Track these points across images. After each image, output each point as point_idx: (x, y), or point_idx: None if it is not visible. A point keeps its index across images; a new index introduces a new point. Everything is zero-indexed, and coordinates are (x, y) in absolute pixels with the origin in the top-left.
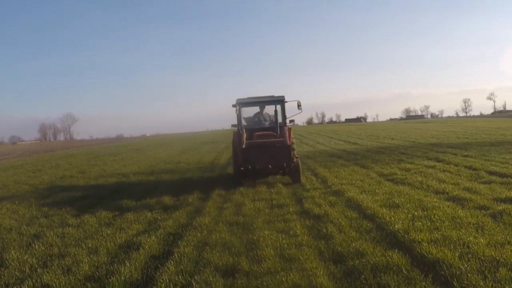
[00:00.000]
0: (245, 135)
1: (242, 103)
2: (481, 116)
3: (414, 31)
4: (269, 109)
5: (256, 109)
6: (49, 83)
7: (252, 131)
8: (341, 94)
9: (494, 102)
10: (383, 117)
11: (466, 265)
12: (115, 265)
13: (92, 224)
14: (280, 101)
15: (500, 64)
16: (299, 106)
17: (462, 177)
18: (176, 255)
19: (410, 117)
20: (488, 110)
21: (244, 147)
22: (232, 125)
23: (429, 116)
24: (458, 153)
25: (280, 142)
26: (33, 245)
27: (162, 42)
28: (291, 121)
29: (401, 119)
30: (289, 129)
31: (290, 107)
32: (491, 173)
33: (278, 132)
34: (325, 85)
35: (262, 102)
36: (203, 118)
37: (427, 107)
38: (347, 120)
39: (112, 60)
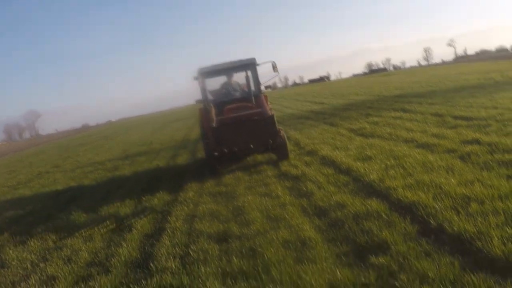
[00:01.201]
0: (213, 111)
1: (205, 73)
2: (443, 63)
3: None
4: (239, 77)
5: (223, 79)
6: (3, 82)
7: (222, 105)
8: (302, 56)
9: (455, 48)
10: (346, 74)
11: (440, 204)
12: (112, 248)
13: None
14: (251, 65)
15: (457, 9)
16: (274, 67)
17: (429, 124)
18: (168, 230)
19: (372, 71)
20: (450, 57)
21: (214, 125)
22: (197, 101)
23: (391, 68)
24: (423, 102)
25: (258, 114)
26: None
27: (112, 23)
28: (267, 87)
29: (364, 74)
30: (265, 97)
31: (263, 71)
32: (456, 117)
33: (254, 102)
34: (284, 49)
35: (229, 69)
36: (167, 96)
37: (388, 60)
38: (311, 81)
39: (67, 49)
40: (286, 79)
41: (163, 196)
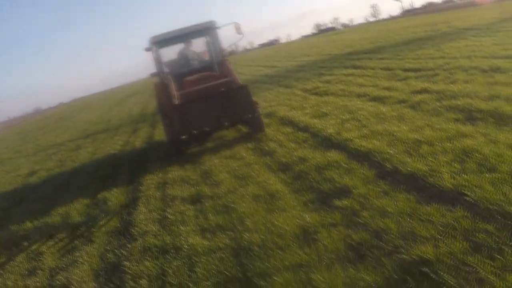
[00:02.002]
0: (173, 85)
1: (159, 42)
2: (391, 18)
3: None
4: (198, 45)
5: (180, 48)
6: None
7: (181, 77)
8: (249, 22)
9: (401, 2)
10: (295, 36)
11: (394, 149)
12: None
13: None
14: (210, 29)
15: None
16: (238, 29)
17: (380, 78)
18: (143, 199)
19: (321, 31)
20: (397, 12)
21: (176, 103)
22: (151, 74)
23: (340, 27)
24: (374, 57)
25: (227, 83)
26: None
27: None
28: (230, 53)
29: (313, 34)
30: (230, 64)
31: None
32: (406, 70)
33: (216, 70)
34: (231, 15)
35: (185, 35)
36: (118, 73)
37: (336, 19)
38: (261, 45)
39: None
40: (235, 45)
41: (131, 169)
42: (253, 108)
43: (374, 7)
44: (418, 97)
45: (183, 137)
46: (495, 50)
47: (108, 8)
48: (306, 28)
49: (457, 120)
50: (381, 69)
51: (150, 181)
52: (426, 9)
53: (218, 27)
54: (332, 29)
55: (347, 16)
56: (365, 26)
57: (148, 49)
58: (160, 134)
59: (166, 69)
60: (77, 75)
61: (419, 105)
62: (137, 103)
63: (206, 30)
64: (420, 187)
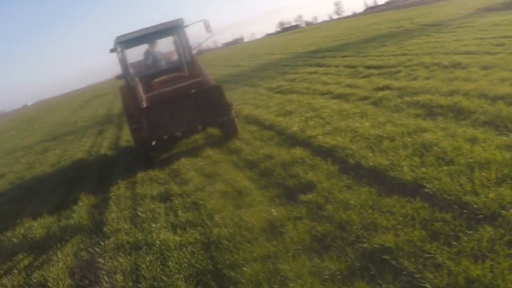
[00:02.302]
0: (140, 87)
1: (124, 42)
2: (354, 15)
3: None
4: (165, 44)
5: (146, 48)
6: None
7: (148, 78)
8: (213, 20)
9: None
10: (259, 35)
11: (356, 145)
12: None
13: None
14: (178, 27)
15: None
16: (208, 27)
17: (343, 76)
18: (113, 198)
19: (285, 29)
20: (361, 9)
21: (144, 106)
22: (116, 77)
23: (304, 25)
24: (337, 55)
25: (199, 84)
26: None
27: None
28: (199, 52)
29: (277, 32)
30: (200, 64)
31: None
32: (368, 67)
33: (186, 71)
34: (192, 14)
35: (152, 34)
36: (82, 74)
37: (300, 17)
38: (225, 44)
39: None
40: (199, 45)
41: (100, 168)
42: (227, 110)
43: (337, 4)
44: (380, 93)
45: (153, 143)
46: (455, 46)
47: (72, 9)
48: (270, 26)
49: (417, 115)
50: (344, 66)
51: (120, 181)
52: (389, 6)
53: (186, 26)
54: (296, 27)
55: (311, 14)
56: (329, 24)
57: (113, 50)
58: (127, 134)
59: (132, 71)
60: (40, 76)
61: (381, 102)
62: (102, 105)
63: (173, 29)
64: (382, 180)
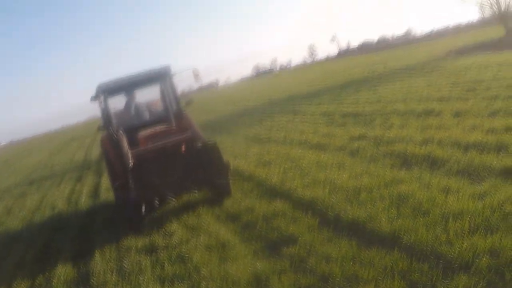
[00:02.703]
0: (125, 142)
1: (107, 90)
2: (328, 59)
3: None
4: (147, 94)
5: (130, 97)
6: None
7: (131, 131)
8: (188, 65)
9: (338, 43)
10: (235, 78)
11: (335, 197)
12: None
13: None
14: (165, 75)
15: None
16: (197, 76)
17: (319, 124)
18: (98, 249)
19: (260, 73)
20: (334, 52)
21: (131, 165)
22: (99, 128)
23: (278, 68)
24: (312, 102)
25: (189, 139)
26: None
27: None
28: (188, 102)
29: (252, 76)
30: (190, 116)
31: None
32: (344, 115)
33: (173, 124)
34: (167, 58)
35: (137, 82)
36: (57, 114)
37: (275, 60)
38: (200, 89)
39: None
40: (187, 94)
41: (82, 217)
42: (225, 171)
43: (311, 48)
44: (357, 143)
45: (143, 209)
46: (429, 92)
47: (45, 48)
48: (245, 70)
49: (393, 165)
50: (320, 114)
51: (103, 231)
52: (362, 49)
53: (174, 74)
54: (270, 71)
55: (286, 57)
56: (303, 68)
57: (94, 99)
58: (107, 182)
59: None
60: (13, 115)
61: (357, 152)
62: (80, 149)
63: (160, 76)
64: (361, 232)
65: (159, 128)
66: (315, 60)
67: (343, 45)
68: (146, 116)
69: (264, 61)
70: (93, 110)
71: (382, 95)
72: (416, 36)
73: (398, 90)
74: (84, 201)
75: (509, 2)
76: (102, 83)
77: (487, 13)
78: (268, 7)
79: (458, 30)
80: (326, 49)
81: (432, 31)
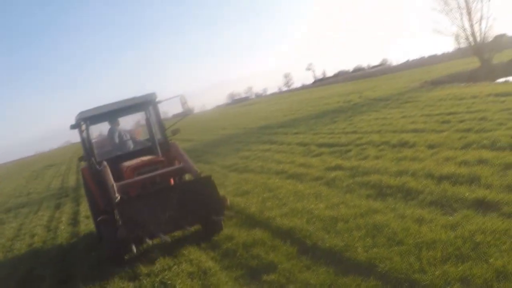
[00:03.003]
0: (110, 174)
1: (89, 119)
2: (303, 87)
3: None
4: (128, 122)
5: (110, 126)
6: None
7: (115, 162)
8: (161, 92)
9: (314, 71)
10: (209, 106)
11: (313, 226)
12: None
13: None
14: (150, 103)
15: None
16: (184, 104)
17: (296, 154)
18: (79, 276)
19: (235, 101)
20: (309, 80)
21: (119, 199)
22: (79, 159)
23: (253, 97)
24: (289, 132)
25: (180, 172)
26: None
27: None
28: (174, 131)
29: (227, 104)
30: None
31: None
32: (320, 145)
33: (160, 154)
34: (140, 85)
35: (121, 110)
36: (31, 139)
37: (250, 88)
38: (175, 116)
39: None
40: (174, 123)
41: (62, 245)
42: (221, 206)
43: (287, 76)
44: (333, 173)
45: (134, 248)
46: (403, 123)
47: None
48: (220, 97)
49: (369, 196)
50: (297, 144)
51: (84, 257)
52: (337, 78)
53: (159, 101)
54: (246, 99)
55: (261, 85)
56: (279, 97)
57: (74, 127)
58: (85, 210)
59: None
60: None
61: (334, 182)
62: (56, 176)
63: (145, 104)
64: (338, 260)
65: (145, 158)
66: (291, 88)
67: (319, 74)
68: (130, 145)
69: (239, 89)
70: (68, 136)
71: (357, 126)
72: (392, 65)
73: (373, 121)
74: (64, 229)
75: (484, 34)
76: (83, 111)
77: (463, 44)
78: (242, 34)
79: (433, 61)
80: (302, 77)
81: (408, 60)
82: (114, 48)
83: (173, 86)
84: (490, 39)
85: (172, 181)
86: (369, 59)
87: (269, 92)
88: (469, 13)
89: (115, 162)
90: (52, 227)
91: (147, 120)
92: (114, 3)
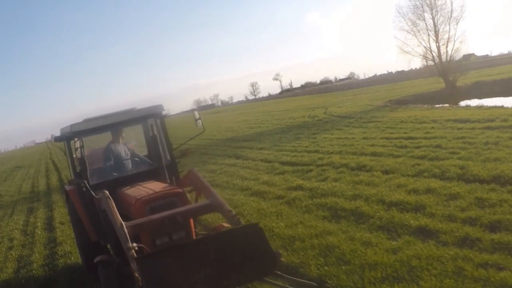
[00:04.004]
0: (115, 208)
1: (83, 133)
2: (270, 97)
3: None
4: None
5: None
6: None
7: (113, 186)
8: (122, 99)
9: (281, 82)
10: (173, 111)
11: (273, 244)
12: None
13: None
14: (156, 115)
15: (286, 44)
16: (198, 120)
17: (260, 171)
18: None
19: (201, 108)
20: (276, 90)
21: (138, 256)
22: (69, 182)
23: (219, 104)
24: (254, 146)
25: (209, 208)
26: None
27: None
28: (184, 152)
29: (192, 110)
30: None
31: None
32: (283, 163)
33: (168, 179)
34: (104, 91)
35: (120, 123)
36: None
37: (216, 95)
38: None
39: None
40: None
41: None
42: (273, 264)
43: (254, 85)
44: (294, 193)
45: None
46: (363, 145)
47: None
48: (186, 104)
49: (324, 217)
50: (261, 160)
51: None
52: (304, 90)
53: (167, 115)
54: (211, 106)
55: (227, 93)
56: (245, 105)
57: (60, 139)
58: (59, 216)
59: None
60: None
61: (294, 202)
62: (25, 179)
63: (149, 117)
64: (293, 276)
65: (156, 187)
66: (257, 97)
67: (286, 84)
68: (128, 165)
69: (205, 96)
70: (33, 136)
71: (320, 145)
72: (359, 79)
73: (336, 140)
74: (40, 234)
75: (450, 55)
76: (75, 123)
77: (429, 63)
78: (210, 40)
79: (401, 77)
80: (268, 86)
81: (375, 75)
82: (70, 51)
83: (138, 91)
84: (456, 60)
85: (192, 223)
86: (337, 73)
87: (235, 99)
88: (436, 35)
89: (111, 186)
90: (29, 231)
91: (153, 136)
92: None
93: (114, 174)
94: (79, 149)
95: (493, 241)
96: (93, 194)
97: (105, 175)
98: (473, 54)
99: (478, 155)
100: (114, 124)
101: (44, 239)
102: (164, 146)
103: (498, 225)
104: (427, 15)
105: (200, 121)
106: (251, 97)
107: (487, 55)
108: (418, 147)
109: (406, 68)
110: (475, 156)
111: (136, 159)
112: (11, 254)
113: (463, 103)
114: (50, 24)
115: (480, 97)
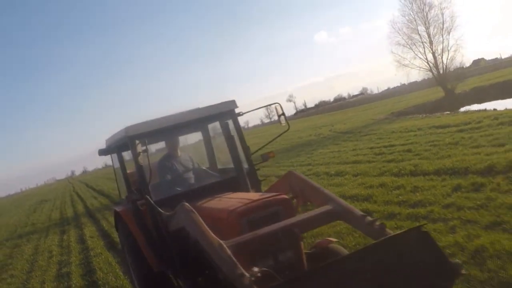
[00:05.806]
0: (205, 227)
1: (143, 136)
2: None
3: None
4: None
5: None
6: None
7: (176, 200)
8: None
9: (295, 103)
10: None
11: None
12: None
13: None
14: (229, 114)
15: (295, 66)
16: (281, 116)
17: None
18: None
19: (216, 134)
20: (291, 111)
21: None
22: (128, 199)
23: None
24: (258, 165)
25: (331, 215)
26: None
27: None
28: (266, 155)
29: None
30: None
31: None
32: (277, 176)
33: (250, 188)
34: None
35: (188, 124)
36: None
37: None
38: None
39: None
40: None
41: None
42: (452, 276)
43: (268, 108)
44: None
45: None
46: (349, 156)
47: None
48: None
49: None
50: (260, 176)
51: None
52: (318, 109)
53: (241, 113)
54: None
55: (243, 118)
56: (261, 129)
57: (106, 152)
58: (89, 232)
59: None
60: None
61: None
62: (53, 210)
63: (221, 116)
64: None
65: (239, 194)
66: (272, 120)
67: (300, 105)
68: (189, 179)
69: None
70: (52, 173)
71: (313, 159)
72: (373, 93)
73: (329, 154)
74: (74, 246)
75: (447, 64)
76: (131, 125)
77: (427, 75)
78: (222, 65)
79: (412, 88)
80: (284, 107)
81: (388, 88)
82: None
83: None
84: (455, 68)
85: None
86: (350, 89)
87: (251, 124)
88: (431, 46)
89: (177, 202)
90: (65, 245)
91: (228, 138)
92: None
93: (178, 188)
94: (141, 154)
95: (408, 214)
96: (160, 210)
97: (167, 190)
98: (482, 59)
99: (435, 154)
100: (178, 126)
101: (78, 248)
102: (241, 150)
103: (418, 203)
104: (421, 28)
105: (283, 117)
106: (266, 121)
107: (497, 58)
108: (392, 153)
109: (419, 79)
110: (432, 155)
111: (203, 170)
112: (52, 260)
113: (463, 109)
114: (62, 61)
115: (479, 102)
